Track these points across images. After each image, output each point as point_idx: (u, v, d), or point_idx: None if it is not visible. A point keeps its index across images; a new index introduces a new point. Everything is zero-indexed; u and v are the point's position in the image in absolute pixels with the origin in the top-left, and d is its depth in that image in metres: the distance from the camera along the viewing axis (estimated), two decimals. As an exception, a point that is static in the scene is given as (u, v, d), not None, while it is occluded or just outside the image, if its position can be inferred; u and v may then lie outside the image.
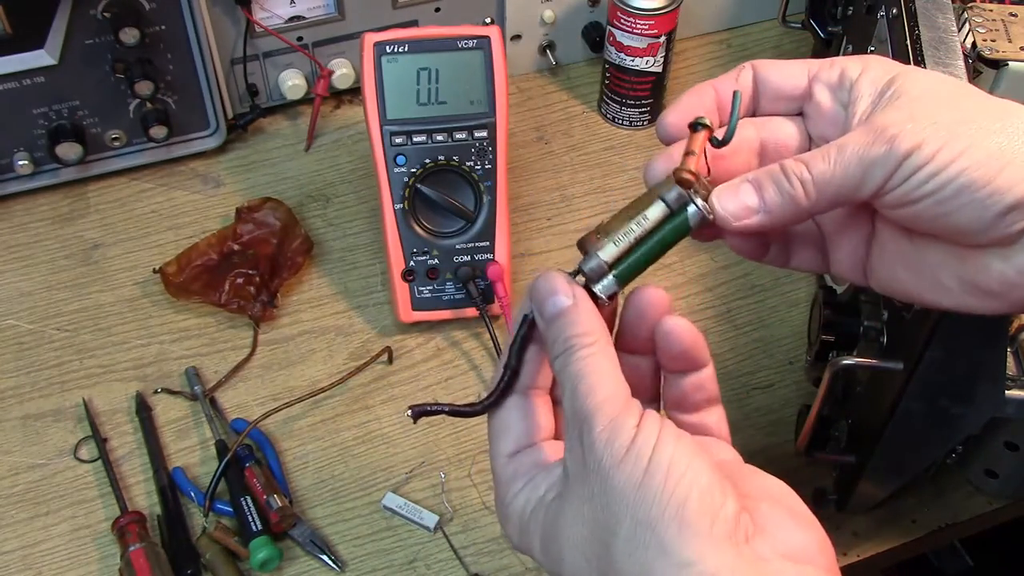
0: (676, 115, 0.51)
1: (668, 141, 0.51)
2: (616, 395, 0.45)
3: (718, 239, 0.52)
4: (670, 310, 0.51)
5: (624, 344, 0.51)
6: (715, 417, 0.52)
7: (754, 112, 0.53)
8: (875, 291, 0.53)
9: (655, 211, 0.48)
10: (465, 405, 0.52)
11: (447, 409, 0.52)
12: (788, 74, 0.52)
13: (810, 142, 0.53)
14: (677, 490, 0.42)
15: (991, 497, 0.83)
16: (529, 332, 0.50)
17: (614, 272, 0.49)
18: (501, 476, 0.50)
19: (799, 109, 0.52)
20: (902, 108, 0.46)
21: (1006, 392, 0.66)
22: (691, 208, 0.48)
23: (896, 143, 0.45)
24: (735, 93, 0.49)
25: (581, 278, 0.49)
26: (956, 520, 0.82)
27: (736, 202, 0.48)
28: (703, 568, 0.41)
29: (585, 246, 0.49)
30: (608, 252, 0.49)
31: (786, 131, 0.53)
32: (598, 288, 0.49)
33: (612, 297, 0.50)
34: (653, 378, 0.53)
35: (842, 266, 0.53)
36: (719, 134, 0.49)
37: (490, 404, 0.51)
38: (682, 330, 0.50)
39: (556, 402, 0.52)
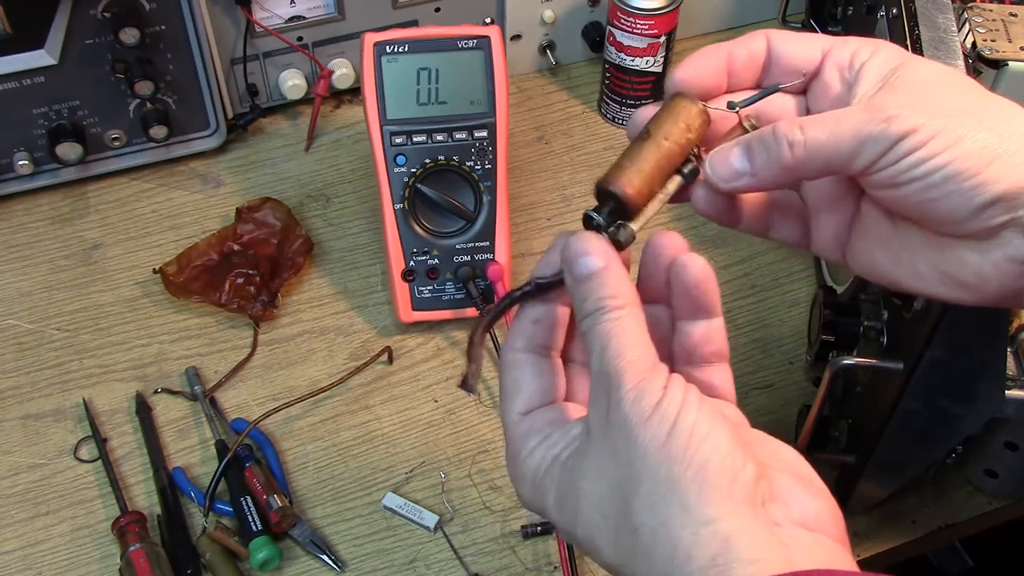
0: (685, 71, 0.52)
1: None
2: (644, 357, 0.46)
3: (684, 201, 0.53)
4: (686, 251, 0.51)
5: (641, 291, 0.52)
6: (722, 376, 0.52)
7: (758, 84, 0.53)
8: (851, 271, 0.54)
9: (674, 185, 0.51)
10: (480, 322, 0.53)
11: (477, 347, 0.52)
12: (802, 49, 0.52)
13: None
14: (700, 451, 0.43)
15: (991, 497, 0.83)
16: (545, 290, 0.51)
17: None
18: (514, 433, 0.51)
19: (805, 86, 0.53)
20: (903, 93, 0.48)
21: (1006, 392, 0.66)
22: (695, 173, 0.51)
23: (892, 124, 0.46)
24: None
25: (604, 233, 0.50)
26: (956, 520, 0.82)
27: (725, 166, 0.50)
28: (721, 527, 0.42)
29: (615, 196, 0.50)
30: (639, 223, 0.50)
31: (784, 106, 0.53)
32: (622, 236, 0.50)
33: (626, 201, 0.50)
34: (668, 331, 0.53)
35: (823, 243, 0.54)
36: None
37: (495, 315, 0.52)
38: (695, 263, 0.50)
39: (567, 363, 0.53)
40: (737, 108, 0.51)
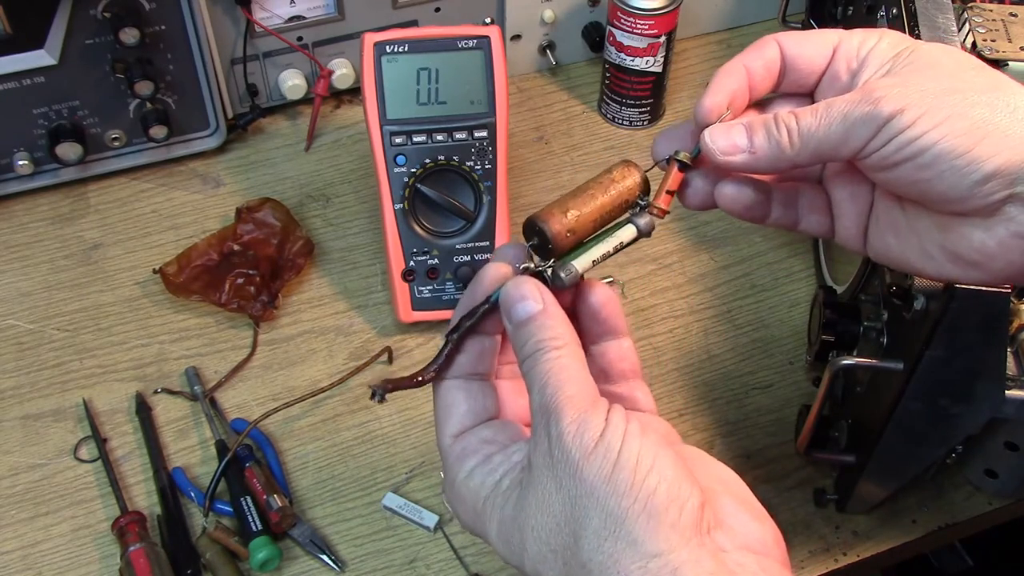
0: (713, 97, 0.52)
1: (707, 124, 0.52)
2: (584, 392, 0.46)
3: (710, 209, 0.54)
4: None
5: None
6: (642, 391, 0.54)
7: (776, 87, 0.54)
8: (872, 259, 0.55)
9: (628, 234, 0.52)
10: (412, 376, 0.52)
11: (404, 383, 0.52)
12: (814, 49, 0.53)
13: None
14: (646, 483, 0.43)
15: (991, 497, 0.83)
16: (486, 314, 0.52)
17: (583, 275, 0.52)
18: (449, 455, 0.51)
19: (816, 84, 0.53)
20: (897, 75, 0.49)
21: (1006, 392, 0.66)
22: (649, 231, 0.53)
23: (879, 105, 0.46)
24: (676, 159, 0.53)
25: (542, 271, 0.52)
26: (956, 520, 0.82)
27: (727, 139, 0.50)
28: (669, 559, 0.42)
29: (549, 236, 0.51)
30: (583, 265, 0.51)
31: (788, 106, 0.54)
32: (565, 278, 0.51)
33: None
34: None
35: (847, 233, 0.54)
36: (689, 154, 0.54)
37: (436, 370, 0.52)
38: (601, 295, 0.52)
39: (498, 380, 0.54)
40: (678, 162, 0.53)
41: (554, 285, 0.51)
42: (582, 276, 0.51)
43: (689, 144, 0.54)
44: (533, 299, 0.49)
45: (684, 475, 0.44)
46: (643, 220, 0.52)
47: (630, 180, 0.52)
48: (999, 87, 0.47)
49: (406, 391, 0.53)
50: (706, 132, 0.51)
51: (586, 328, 0.53)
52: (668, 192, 0.53)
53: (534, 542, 0.46)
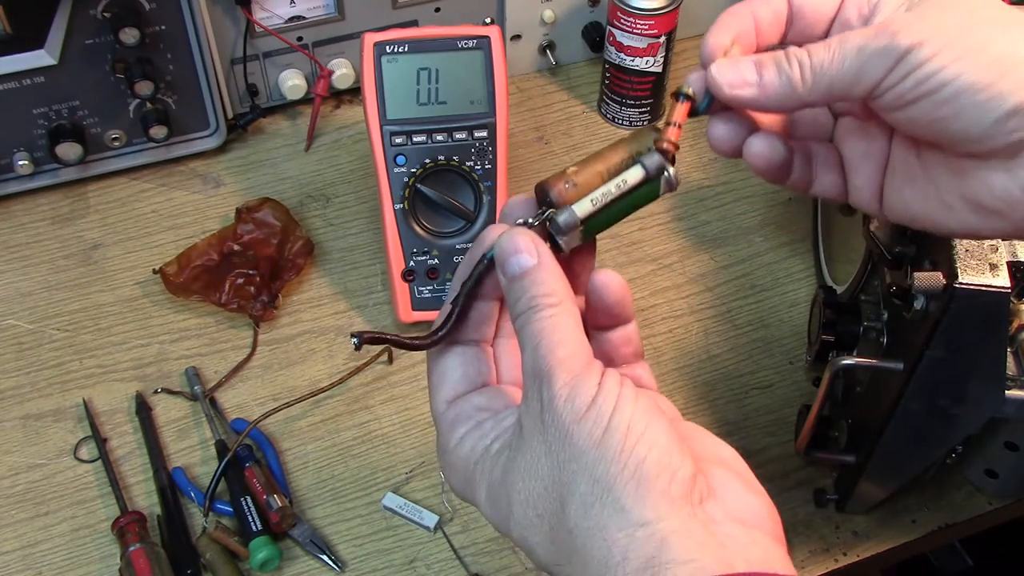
0: (717, 36, 0.51)
1: (711, 61, 0.51)
2: (578, 353, 0.45)
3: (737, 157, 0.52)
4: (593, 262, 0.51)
5: None
6: (645, 371, 0.52)
7: (782, 39, 0.52)
8: (888, 219, 0.53)
9: (634, 175, 0.49)
10: (411, 337, 0.51)
11: (391, 338, 0.51)
12: (822, 5, 0.50)
13: None
14: (636, 449, 0.42)
15: (991, 497, 0.83)
16: (484, 274, 0.50)
17: (583, 227, 0.49)
18: (442, 421, 0.50)
19: (826, 33, 0.51)
20: (914, 10, 0.46)
21: (1006, 392, 0.66)
22: (668, 178, 0.49)
23: (897, 38, 0.44)
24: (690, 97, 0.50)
25: (539, 223, 0.49)
26: (956, 520, 0.82)
27: (735, 72, 0.48)
28: (657, 528, 0.41)
29: (550, 194, 0.49)
30: (583, 209, 0.49)
31: None
32: (563, 240, 0.49)
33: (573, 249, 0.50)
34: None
35: (861, 193, 0.52)
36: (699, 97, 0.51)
37: (438, 339, 0.50)
38: (613, 282, 0.50)
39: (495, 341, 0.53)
40: (682, 96, 0.50)
41: (552, 233, 0.49)
42: (583, 223, 0.49)
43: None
44: (528, 252, 0.47)
45: (676, 444, 0.43)
46: (650, 159, 0.49)
47: (642, 135, 0.50)
48: (1019, 22, 0.45)
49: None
50: (712, 65, 0.49)
51: (595, 317, 0.51)
52: (675, 125, 0.49)
53: (520, 506, 0.45)
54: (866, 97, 0.46)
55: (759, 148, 0.50)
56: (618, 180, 0.49)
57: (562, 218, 0.49)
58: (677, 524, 0.41)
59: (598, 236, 0.51)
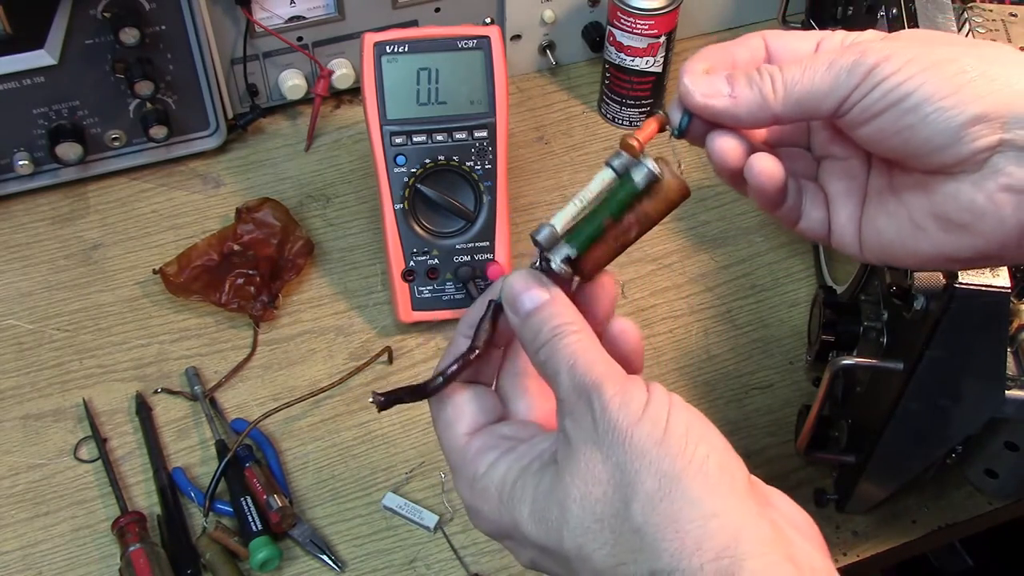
0: (694, 63, 0.51)
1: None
2: (615, 368, 0.46)
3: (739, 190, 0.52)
4: (614, 296, 0.52)
5: None
6: None
7: None
8: (867, 259, 0.53)
9: (604, 176, 0.49)
10: (426, 384, 0.51)
11: (408, 390, 0.51)
12: (798, 45, 0.52)
13: None
14: (699, 448, 0.43)
15: (991, 497, 0.83)
16: (495, 318, 0.51)
17: (567, 239, 0.49)
18: (465, 454, 0.50)
19: None
20: (886, 37, 0.48)
21: (1006, 392, 0.66)
22: (643, 169, 0.48)
23: (864, 56, 0.46)
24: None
25: (541, 262, 0.49)
26: (956, 520, 0.82)
27: (707, 83, 0.49)
28: (729, 520, 0.41)
29: (538, 232, 0.49)
30: (563, 219, 0.49)
31: None
32: (555, 263, 0.49)
33: (575, 269, 0.49)
34: None
35: (843, 231, 0.53)
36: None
37: (448, 380, 0.51)
38: (631, 332, 0.51)
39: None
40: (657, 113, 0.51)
41: (551, 265, 0.49)
42: (566, 235, 0.48)
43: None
44: (537, 288, 0.48)
45: (730, 448, 0.44)
46: (617, 159, 0.48)
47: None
48: (978, 45, 0.47)
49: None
50: (686, 77, 0.49)
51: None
52: (642, 131, 0.50)
53: (577, 514, 0.44)
54: (834, 114, 0.47)
55: (763, 164, 0.51)
56: (590, 186, 0.49)
57: (542, 236, 0.48)
58: (748, 518, 0.42)
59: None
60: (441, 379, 0.51)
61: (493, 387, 0.54)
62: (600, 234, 0.48)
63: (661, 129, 0.51)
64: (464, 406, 0.51)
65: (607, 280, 0.51)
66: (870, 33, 0.51)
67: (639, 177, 0.48)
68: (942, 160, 0.46)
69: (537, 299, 0.48)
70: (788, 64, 0.48)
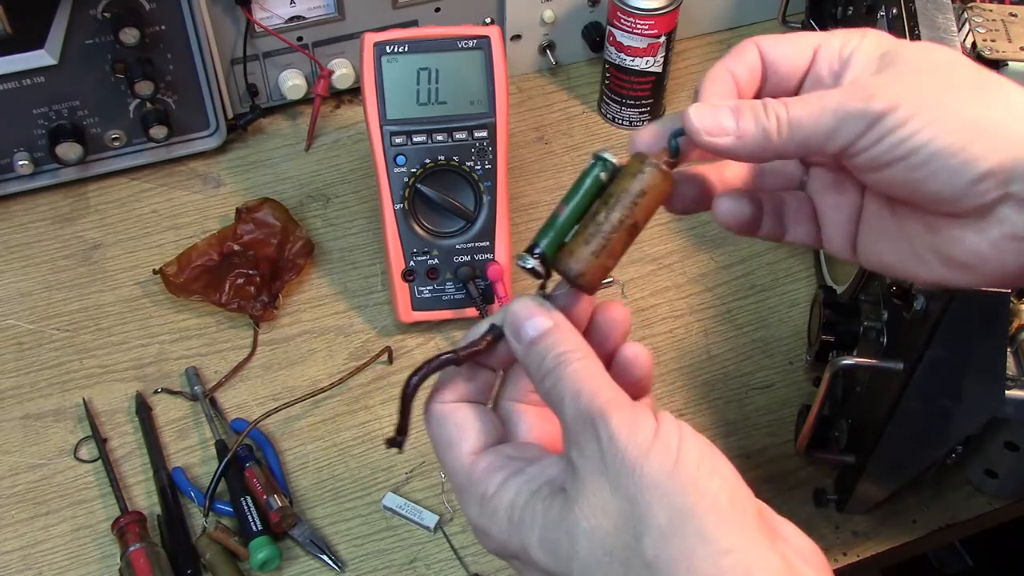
0: (706, 102, 0.50)
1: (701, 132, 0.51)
2: (621, 395, 0.45)
3: (696, 212, 0.53)
4: (628, 328, 0.51)
5: None
6: None
7: (757, 94, 0.52)
8: (864, 267, 0.54)
9: (592, 173, 0.49)
10: (402, 396, 0.51)
11: (403, 417, 0.51)
12: (793, 51, 0.51)
13: None
14: (711, 482, 0.42)
15: (991, 497, 0.83)
16: (494, 340, 0.50)
17: (537, 238, 0.49)
18: (472, 473, 0.49)
19: (798, 87, 0.52)
20: (888, 73, 0.47)
21: (1006, 392, 0.66)
22: (599, 160, 0.48)
23: (872, 102, 0.45)
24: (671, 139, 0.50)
25: (539, 290, 0.50)
26: (956, 520, 0.82)
27: (712, 119, 0.48)
28: (741, 556, 0.41)
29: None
30: (546, 239, 0.49)
31: None
32: (527, 262, 0.48)
33: (571, 281, 0.49)
34: None
35: (833, 243, 0.53)
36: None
37: (422, 378, 0.50)
38: (642, 357, 0.50)
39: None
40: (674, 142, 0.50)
41: (542, 291, 0.49)
42: (541, 240, 0.48)
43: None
44: (541, 315, 0.48)
45: (740, 479, 0.43)
46: (593, 160, 0.49)
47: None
48: (990, 84, 0.47)
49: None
50: (691, 109, 0.48)
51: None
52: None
53: (586, 546, 0.44)
54: (839, 155, 0.47)
55: (727, 207, 0.52)
56: (581, 188, 0.49)
57: (535, 254, 0.48)
58: (760, 554, 0.41)
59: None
60: (416, 378, 0.50)
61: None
62: (567, 226, 0.48)
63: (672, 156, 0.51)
64: (466, 424, 0.50)
65: (621, 311, 0.51)
66: (870, 39, 0.50)
67: (596, 167, 0.48)
68: (949, 209, 0.47)
69: (540, 327, 0.47)
70: (794, 102, 0.47)
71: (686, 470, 0.42)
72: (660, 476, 0.42)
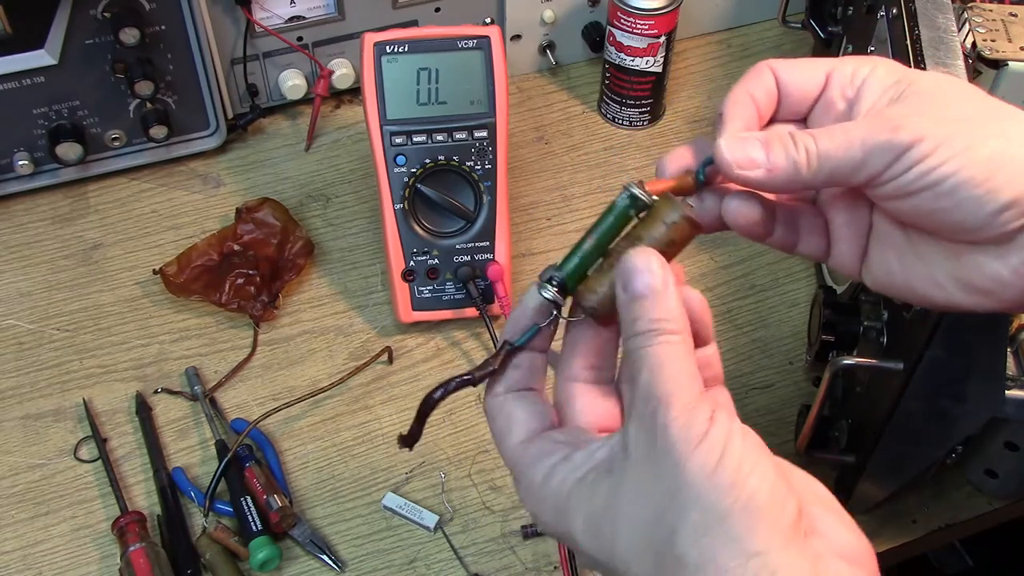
0: (732, 129, 0.51)
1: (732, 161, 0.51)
2: (693, 386, 0.45)
3: (722, 231, 0.53)
4: (682, 282, 0.51)
5: None
6: (724, 397, 0.52)
7: (771, 120, 0.53)
8: (868, 287, 0.53)
9: (616, 209, 0.50)
10: (423, 404, 0.53)
11: (417, 426, 0.53)
12: (806, 76, 0.52)
13: None
14: (749, 482, 0.42)
15: (991, 497, 0.83)
16: (506, 357, 0.51)
17: (558, 267, 0.50)
18: (522, 460, 0.50)
19: (809, 111, 0.53)
20: (910, 103, 0.48)
21: (1006, 392, 0.66)
22: (625, 193, 0.49)
23: (899, 134, 0.46)
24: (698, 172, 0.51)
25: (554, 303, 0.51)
26: (956, 520, 0.82)
27: (742, 152, 0.49)
28: (768, 559, 0.41)
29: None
30: (567, 266, 0.50)
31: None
32: (546, 292, 0.50)
33: (594, 318, 0.50)
34: None
35: (844, 258, 0.54)
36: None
37: (443, 396, 0.52)
38: (694, 300, 0.50)
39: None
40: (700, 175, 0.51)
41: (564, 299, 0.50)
42: (564, 266, 0.50)
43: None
44: (655, 273, 0.47)
45: (783, 481, 0.44)
46: (625, 193, 0.49)
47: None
48: (1008, 116, 0.48)
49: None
50: (721, 142, 0.49)
51: None
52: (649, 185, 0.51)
53: (628, 532, 0.45)
54: (864, 185, 0.48)
55: (736, 207, 0.52)
56: (603, 224, 0.50)
57: (542, 281, 0.50)
58: (787, 558, 0.42)
59: None
60: (437, 394, 0.52)
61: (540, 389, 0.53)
62: (591, 259, 0.50)
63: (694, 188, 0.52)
64: (513, 415, 0.51)
65: (702, 302, 0.51)
66: (882, 68, 0.50)
67: (626, 203, 0.49)
68: (969, 237, 0.48)
69: (652, 282, 0.47)
70: (821, 134, 0.48)
71: (727, 471, 0.43)
72: (700, 476, 0.43)
